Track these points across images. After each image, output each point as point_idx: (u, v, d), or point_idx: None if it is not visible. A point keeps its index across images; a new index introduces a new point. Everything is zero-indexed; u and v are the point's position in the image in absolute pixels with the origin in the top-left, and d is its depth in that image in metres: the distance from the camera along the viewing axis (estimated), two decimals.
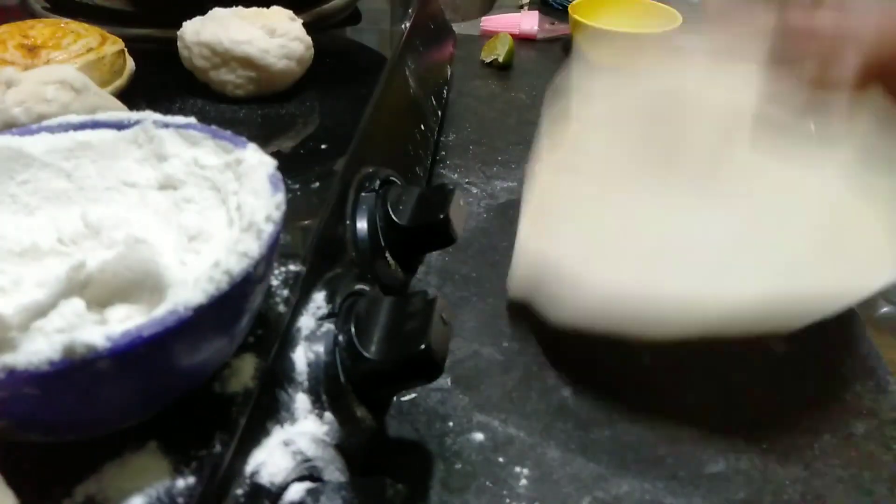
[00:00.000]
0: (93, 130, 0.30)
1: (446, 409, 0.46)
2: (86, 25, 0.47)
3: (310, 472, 0.27)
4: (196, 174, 0.29)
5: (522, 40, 0.99)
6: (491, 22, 1.01)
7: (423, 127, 0.59)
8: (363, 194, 0.41)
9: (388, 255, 0.41)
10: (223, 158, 0.29)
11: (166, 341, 0.21)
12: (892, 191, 0.46)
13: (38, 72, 0.37)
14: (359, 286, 0.35)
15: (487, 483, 0.42)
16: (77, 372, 0.19)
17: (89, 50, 0.44)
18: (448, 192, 0.41)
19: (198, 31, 0.45)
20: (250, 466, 0.26)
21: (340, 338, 0.32)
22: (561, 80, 0.57)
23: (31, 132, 0.30)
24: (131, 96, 0.45)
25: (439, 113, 0.67)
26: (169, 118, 0.30)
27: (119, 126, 0.31)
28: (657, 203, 0.49)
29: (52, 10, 0.56)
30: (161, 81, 0.50)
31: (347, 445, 0.31)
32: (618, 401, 0.47)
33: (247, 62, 0.45)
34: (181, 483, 0.23)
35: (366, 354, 0.31)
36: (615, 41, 0.85)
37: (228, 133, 0.29)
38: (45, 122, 0.30)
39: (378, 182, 0.41)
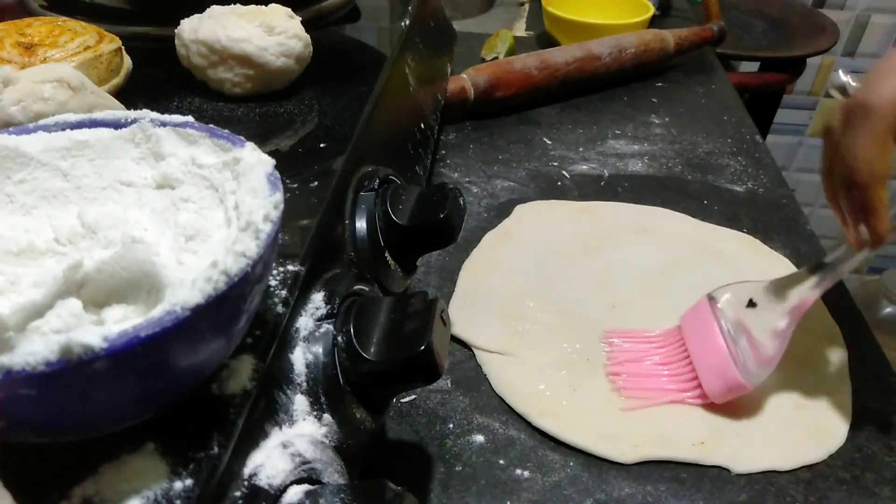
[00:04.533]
0: (90, 129, 0.30)
1: (446, 410, 0.46)
2: (83, 23, 0.46)
3: (308, 475, 0.27)
4: (194, 173, 0.29)
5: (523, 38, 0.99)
6: None
7: (422, 125, 0.58)
8: (362, 193, 0.40)
9: (387, 254, 0.41)
10: (221, 157, 0.29)
11: (163, 342, 0.20)
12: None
13: (35, 70, 0.37)
14: (358, 286, 0.35)
15: (488, 485, 0.42)
16: (74, 372, 0.19)
17: (86, 48, 0.44)
18: (448, 191, 0.41)
19: (195, 29, 0.45)
20: (248, 468, 0.26)
21: (339, 339, 0.31)
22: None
23: (28, 131, 0.29)
24: (129, 95, 0.45)
25: (439, 111, 0.67)
26: (166, 117, 0.30)
27: (116, 125, 0.30)
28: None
29: (50, 9, 0.55)
30: (158, 80, 0.49)
31: (346, 447, 0.31)
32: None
33: (245, 60, 0.44)
34: (179, 485, 0.23)
35: (365, 355, 0.31)
36: (584, 31, 0.90)
37: (226, 132, 0.29)
38: (42, 121, 0.30)
39: (377, 181, 0.41)
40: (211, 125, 0.29)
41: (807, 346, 0.51)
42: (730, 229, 0.63)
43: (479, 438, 0.44)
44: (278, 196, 0.25)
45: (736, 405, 0.46)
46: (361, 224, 0.39)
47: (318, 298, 0.32)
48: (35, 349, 0.19)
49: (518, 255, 0.59)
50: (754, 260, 0.59)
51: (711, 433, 0.44)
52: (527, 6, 1.13)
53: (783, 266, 0.59)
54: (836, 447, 0.44)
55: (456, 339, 0.51)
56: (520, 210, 0.65)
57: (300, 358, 0.30)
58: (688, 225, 0.63)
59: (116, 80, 0.45)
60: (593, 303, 0.54)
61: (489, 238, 0.61)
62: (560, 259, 0.59)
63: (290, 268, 0.31)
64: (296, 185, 0.37)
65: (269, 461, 0.26)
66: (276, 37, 0.45)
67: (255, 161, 0.27)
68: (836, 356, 0.50)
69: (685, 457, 0.43)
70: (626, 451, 0.43)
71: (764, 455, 0.44)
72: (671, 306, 0.54)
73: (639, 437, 0.44)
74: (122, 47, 0.46)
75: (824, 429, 0.45)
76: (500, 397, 0.47)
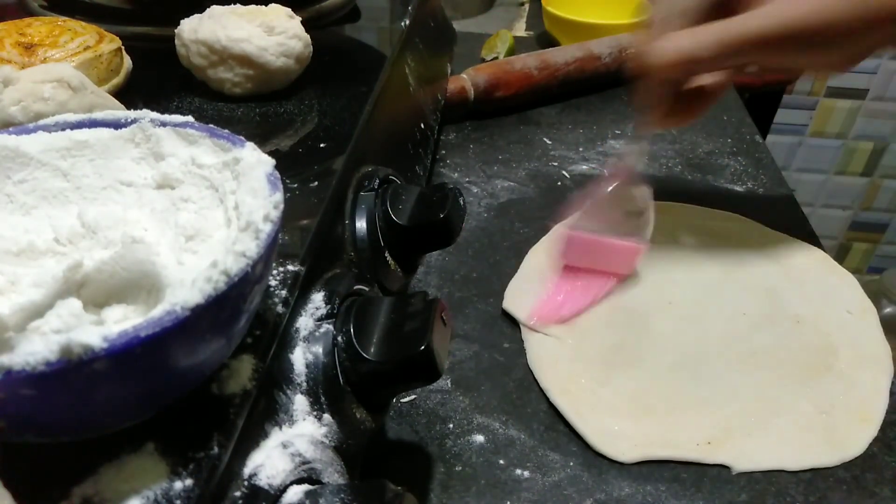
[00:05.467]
0: (90, 129, 0.30)
1: (446, 410, 0.46)
2: (83, 23, 0.46)
3: (308, 475, 0.27)
4: (194, 173, 0.29)
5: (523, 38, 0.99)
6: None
7: (422, 125, 0.58)
8: (362, 193, 0.40)
9: (387, 254, 0.41)
10: (221, 157, 0.29)
11: (163, 342, 0.20)
12: None
13: (35, 70, 0.37)
14: (358, 286, 0.35)
15: (488, 485, 0.42)
16: (74, 373, 0.19)
17: (86, 48, 0.44)
18: (448, 191, 0.41)
19: (195, 29, 0.45)
20: (248, 468, 0.26)
21: (339, 339, 0.31)
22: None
23: (28, 131, 0.30)
24: (129, 95, 0.45)
25: (439, 111, 0.67)
26: (166, 117, 0.30)
27: (116, 125, 0.30)
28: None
29: (50, 9, 0.56)
30: (158, 80, 0.49)
31: (346, 447, 0.31)
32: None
33: (245, 60, 0.44)
34: (179, 485, 0.23)
35: (365, 355, 0.31)
36: (584, 31, 0.90)
37: (226, 132, 0.29)
38: (42, 121, 0.30)
39: (377, 181, 0.41)
40: (211, 125, 0.29)
41: (852, 360, 0.50)
42: (801, 241, 0.62)
43: (479, 438, 0.45)
44: (278, 196, 0.25)
45: (751, 406, 0.46)
46: (361, 224, 0.39)
47: (318, 298, 0.33)
48: (35, 349, 0.19)
49: None
50: (821, 274, 0.58)
51: (721, 433, 0.44)
52: (527, 6, 1.13)
53: (849, 282, 0.58)
54: (851, 456, 0.44)
55: (506, 315, 0.54)
56: None
57: (300, 358, 0.30)
58: (755, 230, 0.63)
59: (116, 80, 0.45)
60: (649, 298, 0.55)
61: (559, 228, 0.62)
62: None
63: (290, 268, 0.32)
64: (296, 185, 0.37)
65: (269, 461, 0.26)
66: (276, 37, 0.45)
67: (255, 161, 0.27)
68: (880, 373, 0.50)
69: (687, 456, 0.43)
70: (625, 450, 0.43)
71: (772, 455, 0.43)
72: (728, 307, 0.54)
73: (640, 437, 0.44)
74: (122, 47, 0.46)
75: (843, 436, 0.45)
76: (529, 373, 0.49)
